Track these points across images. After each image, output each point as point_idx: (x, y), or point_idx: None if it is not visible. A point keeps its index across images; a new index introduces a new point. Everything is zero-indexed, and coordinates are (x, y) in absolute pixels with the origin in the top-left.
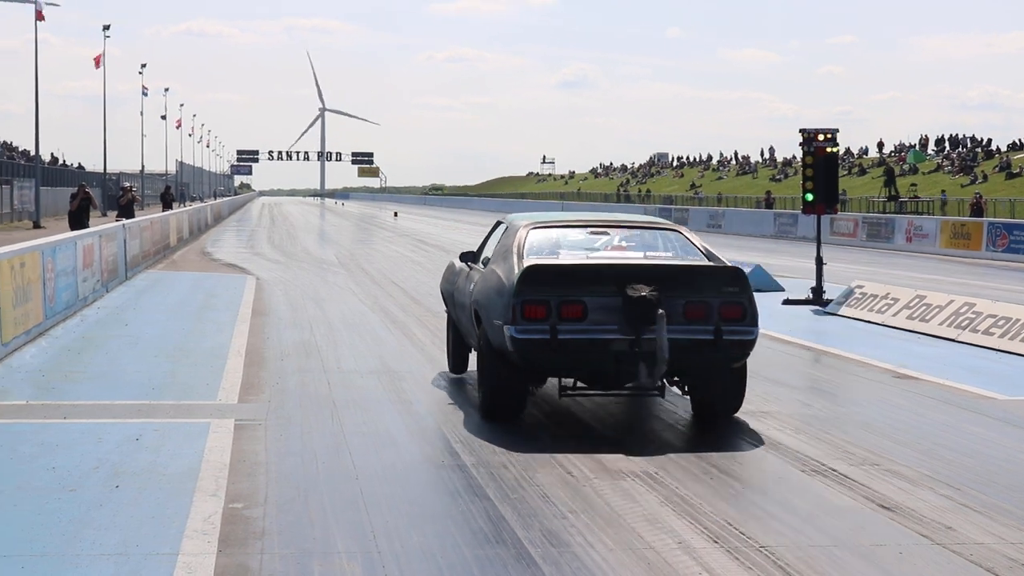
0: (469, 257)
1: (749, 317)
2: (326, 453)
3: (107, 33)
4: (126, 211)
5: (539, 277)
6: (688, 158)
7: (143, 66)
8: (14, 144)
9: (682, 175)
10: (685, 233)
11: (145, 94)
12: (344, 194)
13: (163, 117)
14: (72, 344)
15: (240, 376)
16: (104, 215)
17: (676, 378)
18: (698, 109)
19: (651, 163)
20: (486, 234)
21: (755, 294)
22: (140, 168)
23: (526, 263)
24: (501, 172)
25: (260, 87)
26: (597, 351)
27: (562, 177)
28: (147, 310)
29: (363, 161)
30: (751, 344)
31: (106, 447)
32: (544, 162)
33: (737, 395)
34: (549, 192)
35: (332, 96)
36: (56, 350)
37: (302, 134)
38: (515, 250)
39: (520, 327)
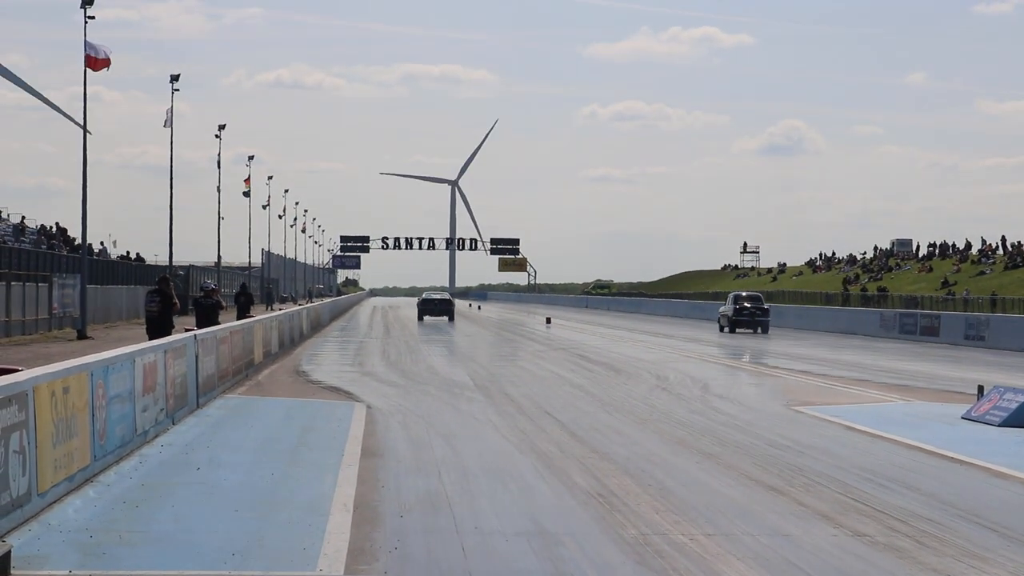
0: (419, 298)
1: (451, 305)
2: None
3: (175, 85)
4: (208, 317)
5: (423, 301)
6: (938, 245)
7: (221, 128)
8: (54, 229)
9: (930, 269)
10: (448, 293)
11: (219, 164)
12: (481, 293)
13: (246, 194)
14: (128, 494)
15: (347, 538)
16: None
17: (448, 316)
18: (951, 180)
19: (888, 253)
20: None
21: None
22: (216, 259)
23: (423, 297)
24: (688, 265)
25: (371, 155)
26: (436, 310)
27: (769, 271)
28: (225, 449)
29: (506, 250)
30: (453, 309)
31: None
32: (745, 251)
33: (453, 318)
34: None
35: (458, 167)
36: (108, 502)
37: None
38: (420, 297)
39: (421, 306)
